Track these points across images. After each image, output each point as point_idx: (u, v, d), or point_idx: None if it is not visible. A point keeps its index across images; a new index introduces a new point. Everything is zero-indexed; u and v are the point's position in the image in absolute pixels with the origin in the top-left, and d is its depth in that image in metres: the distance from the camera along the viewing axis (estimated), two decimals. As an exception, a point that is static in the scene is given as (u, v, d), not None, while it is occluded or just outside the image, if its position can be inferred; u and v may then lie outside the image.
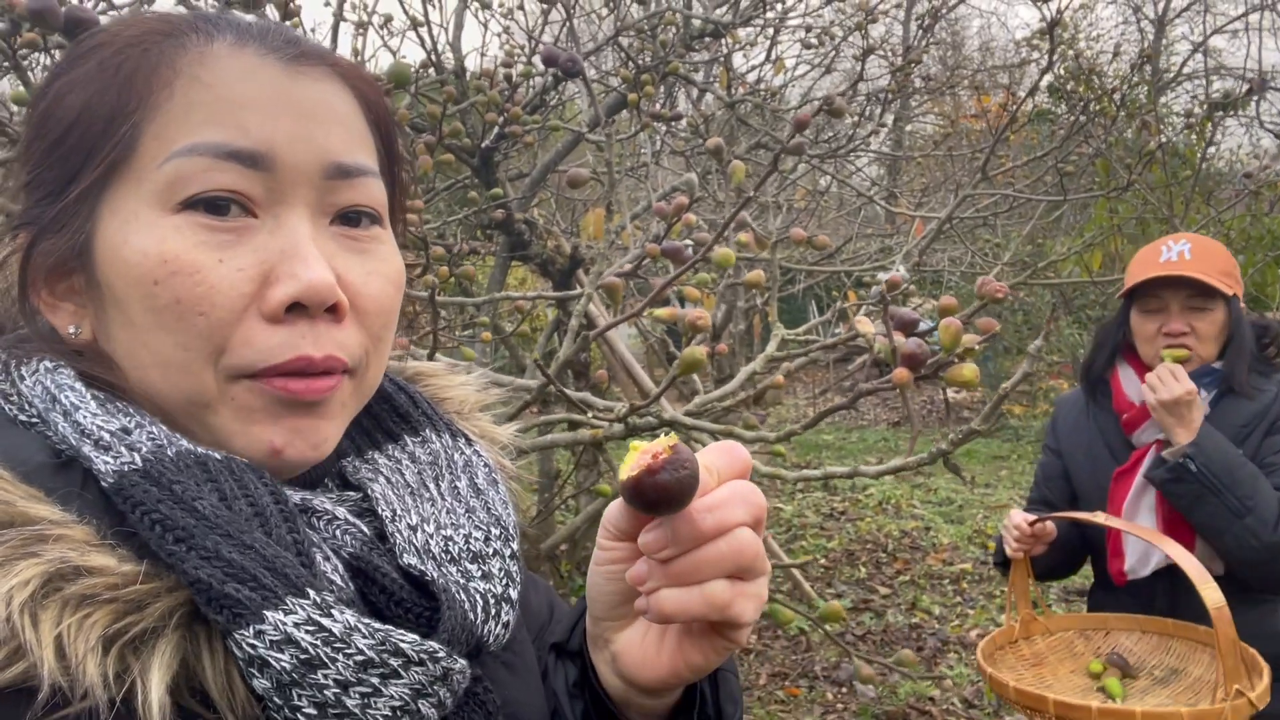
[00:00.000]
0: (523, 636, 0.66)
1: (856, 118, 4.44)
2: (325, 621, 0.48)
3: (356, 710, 0.48)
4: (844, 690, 4.01)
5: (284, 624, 0.47)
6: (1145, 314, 1.92)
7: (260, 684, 0.47)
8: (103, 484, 0.50)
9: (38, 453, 0.51)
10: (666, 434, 0.51)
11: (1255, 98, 3.82)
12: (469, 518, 0.60)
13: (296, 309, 0.54)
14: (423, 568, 0.55)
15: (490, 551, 0.59)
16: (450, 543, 0.58)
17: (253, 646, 0.47)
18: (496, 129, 2.48)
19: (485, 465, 0.64)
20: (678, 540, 0.51)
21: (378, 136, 0.61)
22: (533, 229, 3.36)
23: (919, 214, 4.43)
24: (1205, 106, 4.36)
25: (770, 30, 4.09)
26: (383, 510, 0.58)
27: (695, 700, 0.63)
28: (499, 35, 3.90)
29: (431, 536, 0.57)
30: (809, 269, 5.11)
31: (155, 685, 0.45)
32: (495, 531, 0.60)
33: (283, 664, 0.47)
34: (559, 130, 2.94)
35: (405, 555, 0.56)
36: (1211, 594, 1.54)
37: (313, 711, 0.47)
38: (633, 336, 6.42)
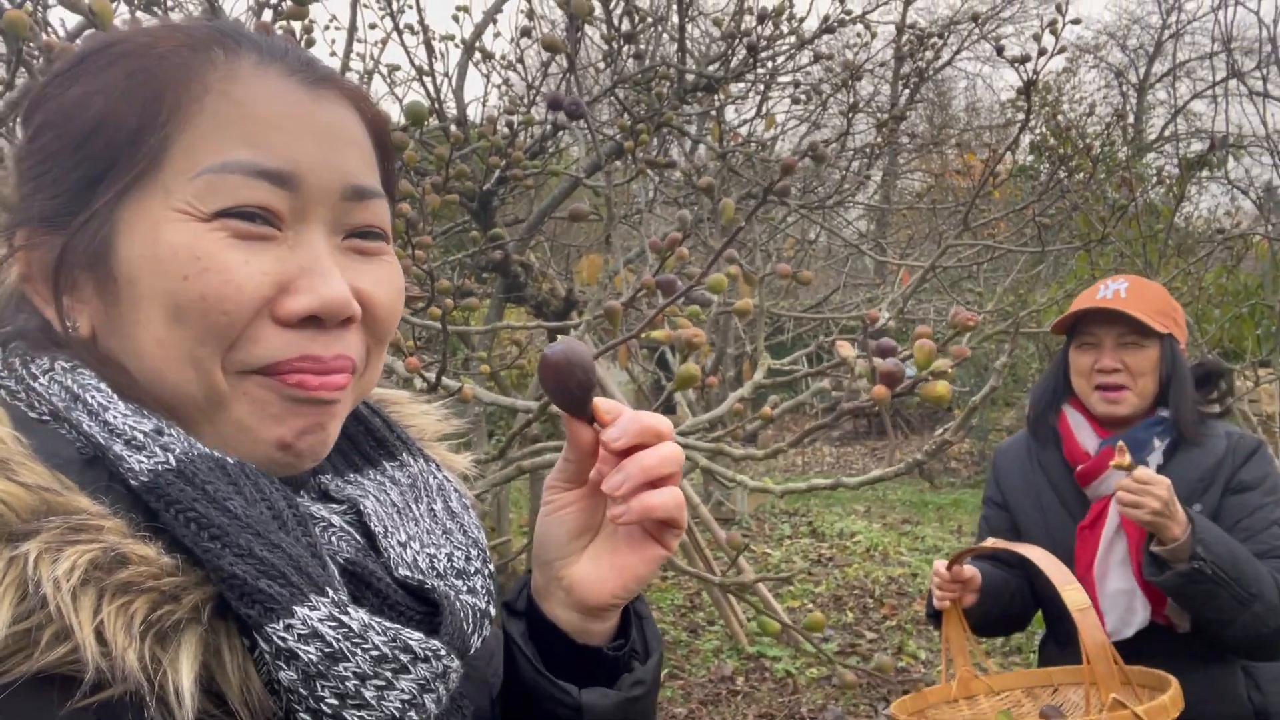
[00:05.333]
0: (480, 650, 0.69)
1: (843, 172, 4.59)
2: (344, 618, 0.51)
3: (373, 701, 0.51)
4: (831, 732, 4.02)
5: (310, 619, 0.50)
6: (1080, 350, 1.91)
7: (286, 676, 0.50)
8: (132, 482, 0.51)
9: (64, 448, 0.52)
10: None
11: (1215, 154, 3.98)
12: (448, 539, 0.63)
13: (310, 320, 0.56)
14: (421, 578, 0.59)
15: (472, 570, 0.62)
16: (434, 560, 0.61)
17: (282, 639, 0.49)
18: (498, 173, 2.60)
19: (455, 490, 0.67)
20: (628, 431, 0.61)
21: (380, 157, 0.64)
22: (528, 271, 3.47)
23: (905, 263, 4.57)
24: (1180, 165, 4.53)
25: (760, 86, 4.26)
26: (375, 526, 0.61)
27: (629, 629, 0.71)
28: (499, 87, 4.03)
29: (419, 554, 0.61)
30: (797, 316, 5.24)
31: (185, 675, 0.47)
32: (474, 552, 0.63)
33: (310, 656, 0.49)
34: (557, 175, 3.06)
35: (400, 568, 0.59)
36: (1074, 595, 1.48)
37: (334, 702, 0.50)
38: (624, 384, 6.50)
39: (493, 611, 0.62)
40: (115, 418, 0.53)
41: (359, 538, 0.59)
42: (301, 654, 0.49)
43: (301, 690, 0.50)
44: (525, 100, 3.67)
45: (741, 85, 4.30)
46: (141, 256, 0.55)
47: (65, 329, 0.57)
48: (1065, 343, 1.98)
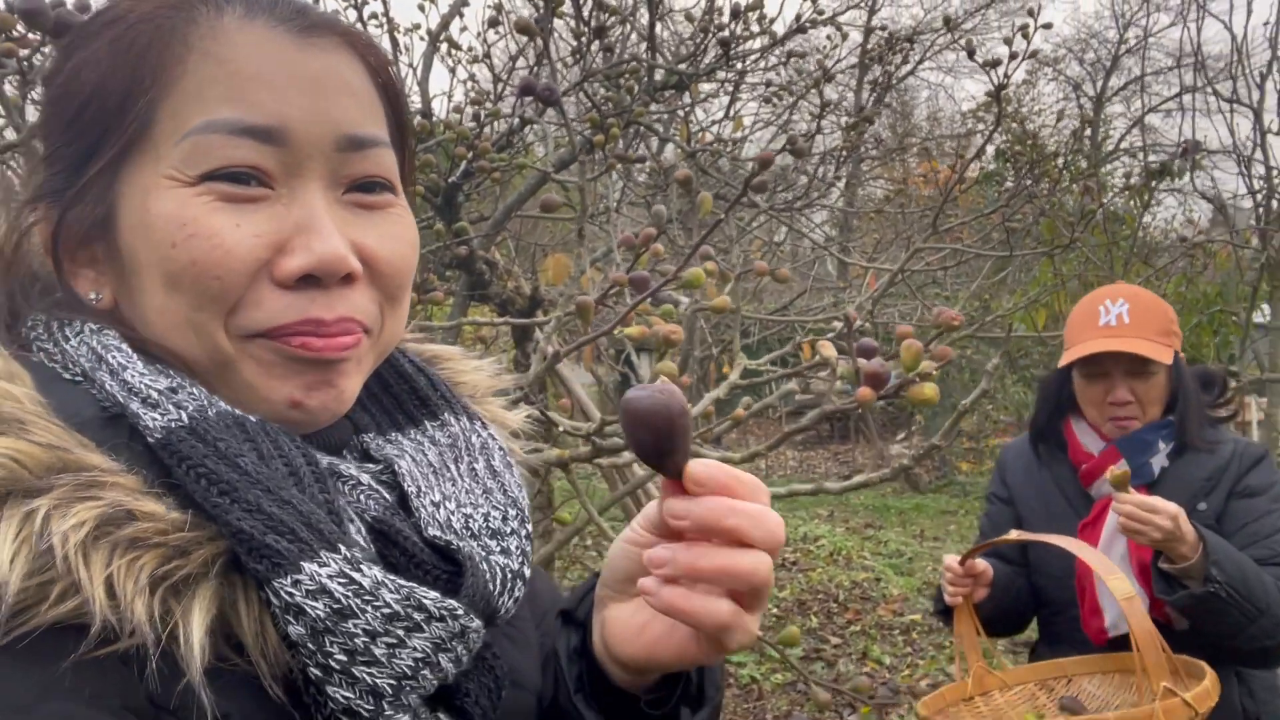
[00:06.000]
0: (524, 613, 0.69)
1: (810, 176, 4.57)
2: (355, 575, 0.50)
3: (383, 659, 0.50)
4: (795, 739, 3.99)
5: (319, 575, 0.49)
6: (1088, 379, 1.88)
7: (295, 630, 0.49)
8: (149, 439, 0.52)
9: (87, 407, 0.53)
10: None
11: (1189, 158, 4.02)
12: (486, 498, 0.62)
13: (309, 279, 0.55)
14: (448, 538, 0.58)
15: (508, 530, 0.61)
16: (470, 520, 0.60)
17: (290, 595, 0.49)
18: (464, 164, 2.51)
19: (500, 448, 0.66)
20: (695, 516, 0.53)
21: (387, 104, 0.62)
22: (493, 269, 3.39)
23: (872, 266, 4.55)
24: (1143, 173, 4.58)
25: (730, 86, 4.22)
26: (408, 486, 0.60)
27: (678, 678, 0.64)
28: (465, 82, 3.94)
29: (453, 513, 0.60)
30: (763, 319, 5.20)
31: (196, 627, 0.47)
32: (512, 512, 0.62)
33: (317, 612, 0.49)
34: (525, 169, 2.98)
35: (430, 528, 0.58)
36: (1119, 584, 1.48)
37: (343, 658, 0.49)
38: (589, 386, 6.42)
39: (526, 573, 0.61)
40: (133, 376, 0.54)
41: (388, 496, 0.59)
42: (309, 609, 0.49)
43: (310, 645, 0.50)
44: (492, 94, 3.59)
45: (711, 85, 4.26)
46: (135, 225, 0.55)
47: (87, 299, 0.58)
48: (1065, 367, 1.92)
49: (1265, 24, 3.88)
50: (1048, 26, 3.54)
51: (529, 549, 0.62)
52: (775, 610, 5.49)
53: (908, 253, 3.99)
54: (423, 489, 0.60)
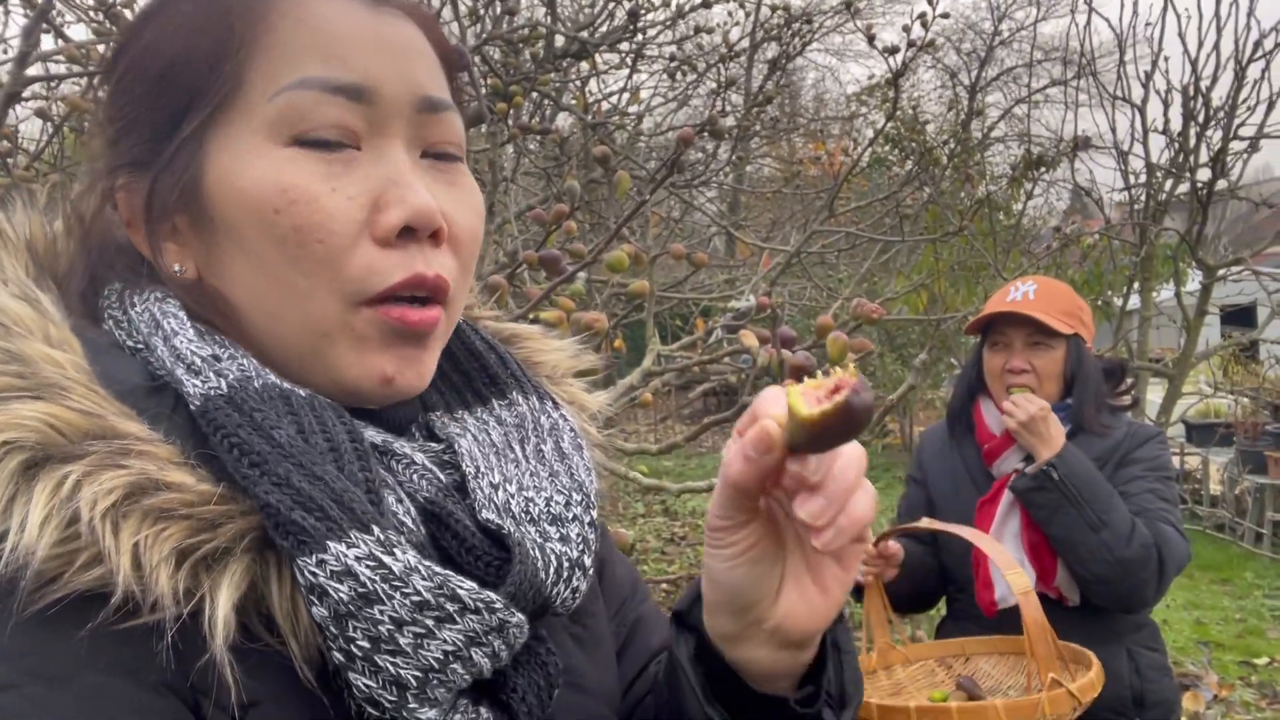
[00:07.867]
0: (597, 610, 0.68)
1: (708, 154, 4.55)
2: (386, 559, 0.49)
3: (408, 649, 0.48)
4: None
5: (345, 556, 0.48)
6: (992, 350, 2.01)
7: (318, 612, 0.48)
8: (190, 406, 0.52)
9: (134, 375, 0.53)
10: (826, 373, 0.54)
11: (1080, 152, 4.21)
12: (551, 481, 0.60)
13: (406, 233, 0.56)
14: (500, 522, 0.56)
15: (570, 516, 0.59)
16: (531, 504, 0.58)
17: (314, 574, 0.48)
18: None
19: (571, 430, 0.65)
20: (829, 474, 0.52)
21: (448, 79, 0.63)
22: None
23: (768, 246, 4.58)
24: (1022, 163, 4.76)
25: (630, 58, 4.14)
26: (467, 466, 0.59)
27: (819, 680, 0.64)
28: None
29: (513, 496, 0.58)
30: (658, 295, 5.17)
31: (222, 603, 0.47)
32: (576, 497, 0.60)
33: (340, 595, 0.48)
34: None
35: (485, 511, 0.57)
36: (1017, 579, 1.56)
37: (366, 644, 0.48)
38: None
39: (587, 562, 0.59)
40: (181, 343, 0.54)
41: (443, 478, 0.57)
42: (332, 592, 0.48)
43: (332, 629, 0.48)
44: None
45: (611, 56, 4.17)
46: (230, 191, 0.55)
47: (171, 272, 0.57)
48: (979, 342, 2.08)
49: (1147, 25, 4.07)
50: (945, 16, 3.61)
51: (592, 537, 0.59)
52: (665, 587, 5.52)
53: (802, 234, 4.03)
54: (482, 469, 0.59)
